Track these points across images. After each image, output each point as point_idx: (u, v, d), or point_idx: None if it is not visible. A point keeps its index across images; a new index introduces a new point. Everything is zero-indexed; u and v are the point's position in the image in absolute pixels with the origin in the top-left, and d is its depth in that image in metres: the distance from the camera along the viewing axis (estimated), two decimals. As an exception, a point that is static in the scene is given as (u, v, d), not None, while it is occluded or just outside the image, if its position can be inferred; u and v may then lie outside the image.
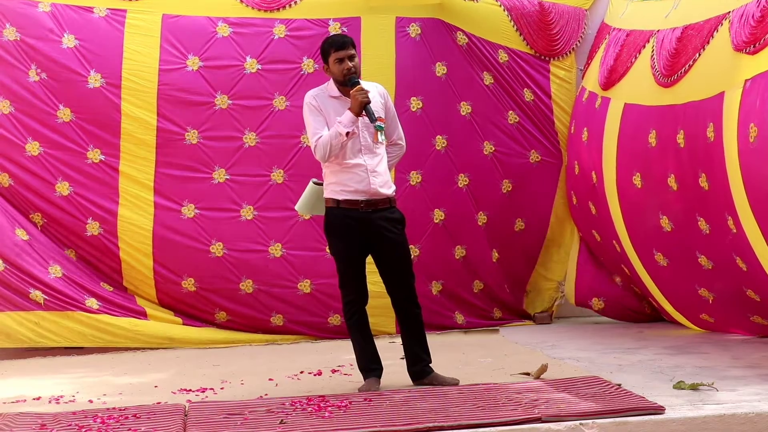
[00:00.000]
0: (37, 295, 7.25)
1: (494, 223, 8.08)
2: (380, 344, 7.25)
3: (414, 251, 7.41)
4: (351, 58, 5.38)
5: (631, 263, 7.50)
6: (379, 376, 5.51)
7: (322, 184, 5.56)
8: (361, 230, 5.41)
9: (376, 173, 5.41)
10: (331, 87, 5.48)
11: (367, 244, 5.45)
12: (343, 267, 5.49)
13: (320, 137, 5.35)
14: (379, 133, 5.40)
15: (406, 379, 5.60)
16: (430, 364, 5.54)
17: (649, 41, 7.16)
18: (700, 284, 6.84)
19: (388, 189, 5.47)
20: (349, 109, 5.32)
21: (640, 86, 7.13)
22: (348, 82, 5.37)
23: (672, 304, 7.42)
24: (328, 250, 7.57)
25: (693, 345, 6.66)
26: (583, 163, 7.84)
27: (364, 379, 5.50)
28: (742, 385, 5.11)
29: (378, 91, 5.53)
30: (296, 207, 5.86)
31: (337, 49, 5.38)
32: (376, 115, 5.37)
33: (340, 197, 5.41)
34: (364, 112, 5.31)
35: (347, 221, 5.41)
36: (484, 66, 8.10)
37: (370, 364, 5.52)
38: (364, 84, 5.40)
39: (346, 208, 5.41)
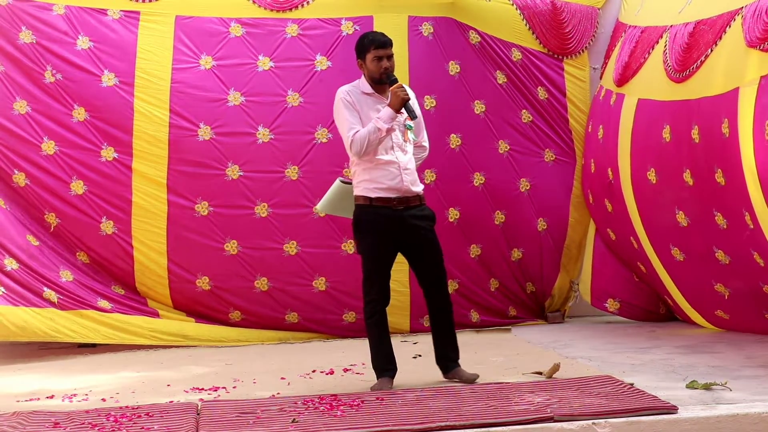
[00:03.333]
0: (50, 294, 7.28)
1: (513, 222, 8.06)
2: (392, 342, 7.28)
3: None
4: (389, 57, 5.44)
5: (649, 259, 7.48)
6: (393, 377, 5.51)
7: (350, 183, 5.55)
8: (393, 228, 5.42)
9: (408, 171, 5.45)
10: (363, 84, 5.52)
11: (398, 242, 5.47)
12: (371, 265, 5.48)
13: (357, 132, 5.36)
14: (409, 131, 5.46)
15: (418, 378, 5.61)
16: (457, 360, 5.59)
17: (662, 37, 7.14)
18: (717, 279, 6.82)
19: (418, 187, 5.51)
20: (389, 105, 5.36)
21: (653, 82, 7.12)
22: (387, 80, 5.43)
23: (687, 300, 7.41)
24: (344, 248, 7.62)
25: (706, 344, 6.64)
26: (600, 160, 7.83)
27: (377, 378, 5.51)
28: (756, 385, 5.09)
29: (410, 91, 5.55)
30: (317, 207, 5.85)
31: (377, 48, 5.44)
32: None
33: (372, 195, 5.41)
34: (403, 109, 5.35)
35: (380, 219, 5.41)
36: (497, 65, 8.09)
37: (384, 364, 5.53)
38: None
39: (379, 206, 5.41)
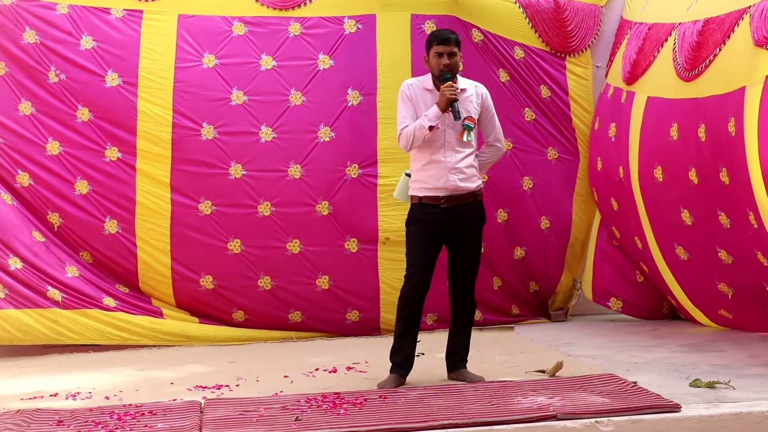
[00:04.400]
0: (54, 293, 7.29)
1: (516, 220, 8.06)
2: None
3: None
4: (450, 55, 5.45)
5: (653, 258, 7.48)
6: (404, 376, 5.52)
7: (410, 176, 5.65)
8: (439, 224, 5.47)
9: (456, 170, 5.46)
10: (426, 79, 5.56)
11: (443, 237, 5.51)
12: (411, 259, 5.54)
13: (406, 126, 5.45)
14: (465, 132, 5.44)
15: (422, 377, 5.61)
16: (465, 361, 5.62)
17: (671, 34, 7.13)
18: (720, 279, 6.82)
19: (472, 183, 5.52)
20: (436, 103, 5.39)
21: (662, 80, 7.11)
22: (441, 77, 5.44)
23: (691, 300, 7.40)
24: (348, 247, 7.62)
25: (709, 343, 6.64)
26: (609, 159, 7.81)
27: (390, 372, 5.51)
28: (759, 384, 5.09)
29: (476, 90, 5.57)
30: (394, 194, 5.92)
31: (439, 44, 5.45)
32: (468, 115, 5.44)
33: (421, 194, 5.50)
34: (449, 109, 5.37)
35: (426, 216, 5.47)
36: (500, 63, 8.09)
37: (400, 361, 5.53)
38: (462, 82, 5.50)
39: (427, 204, 5.48)
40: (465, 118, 5.44)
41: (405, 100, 5.52)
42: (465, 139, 5.45)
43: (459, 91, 5.42)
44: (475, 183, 5.54)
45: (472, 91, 5.54)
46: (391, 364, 5.55)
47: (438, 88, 5.47)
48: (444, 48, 5.45)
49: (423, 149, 5.47)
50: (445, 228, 5.48)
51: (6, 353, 7.25)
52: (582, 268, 8.30)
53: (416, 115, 5.47)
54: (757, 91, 5.84)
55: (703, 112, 6.49)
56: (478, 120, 5.57)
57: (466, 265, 5.58)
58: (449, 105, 5.37)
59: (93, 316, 7.33)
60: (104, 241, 7.55)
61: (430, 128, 5.37)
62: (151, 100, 7.58)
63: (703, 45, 6.61)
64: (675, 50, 6.97)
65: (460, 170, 5.47)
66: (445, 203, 5.46)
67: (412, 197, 5.57)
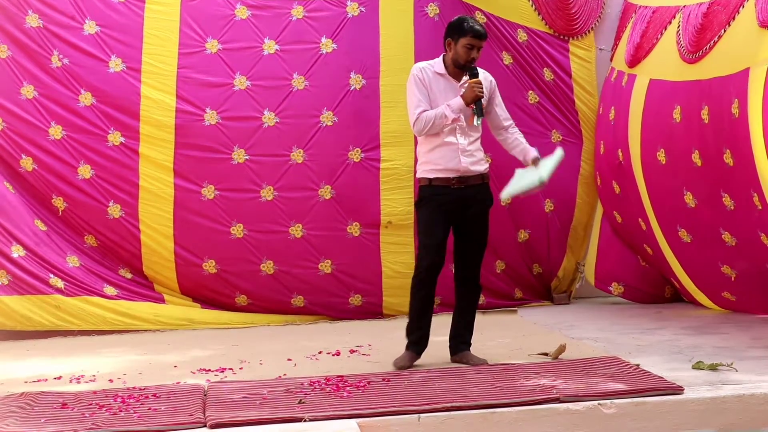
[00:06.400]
0: (56, 281, 7.31)
1: (520, 203, 8.04)
2: (399, 324, 7.30)
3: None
4: (479, 50, 5.51)
5: (656, 240, 7.47)
6: (419, 353, 5.58)
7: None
8: (449, 205, 5.52)
9: (467, 152, 5.54)
10: (438, 63, 5.60)
11: (452, 218, 5.55)
12: (423, 239, 5.59)
13: (423, 111, 5.49)
14: (476, 117, 5.50)
15: (425, 359, 5.62)
16: (468, 344, 5.66)
17: (675, 17, 7.11)
18: (723, 261, 6.82)
19: (480, 166, 5.59)
20: (462, 96, 5.46)
21: (665, 62, 7.09)
22: (469, 71, 5.49)
23: (694, 282, 7.40)
24: (350, 231, 7.62)
25: (712, 325, 6.64)
26: (609, 142, 7.81)
27: (405, 350, 5.59)
28: (762, 366, 5.10)
29: (485, 76, 5.61)
30: (505, 194, 5.70)
31: (474, 37, 5.48)
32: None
33: (431, 176, 5.55)
34: (474, 105, 5.45)
35: (436, 197, 5.52)
36: (503, 46, 8.07)
37: (416, 339, 5.61)
38: (479, 72, 5.54)
39: (438, 186, 5.53)
40: (483, 105, 5.52)
41: (418, 83, 5.54)
42: (475, 122, 5.52)
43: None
44: (483, 166, 5.62)
45: (481, 77, 5.58)
46: (406, 341, 5.61)
47: (452, 75, 5.54)
48: (477, 42, 5.49)
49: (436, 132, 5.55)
50: (456, 209, 5.53)
51: (10, 336, 7.28)
52: (585, 251, 8.30)
53: (429, 99, 5.51)
54: (761, 72, 5.82)
55: (706, 94, 6.48)
56: (486, 106, 5.62)
57: (473, 247, 5.61)
58: (475, 101, 5.45)
59: (95, 303, 7.36)
60: (108, 226, 7.56)
61: (453, 120, 5.46)
62: (155, 86, 7.57)
63: (707, 27, 6.58)
64: (679, 33, 6.95)
65: (470, 153, 5.54)
66: (456, 184, 5.51)
67: (422, 179, 5.60)
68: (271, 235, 7.65)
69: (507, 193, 5.60)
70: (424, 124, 5.47)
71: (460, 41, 5.49)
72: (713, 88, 6.40)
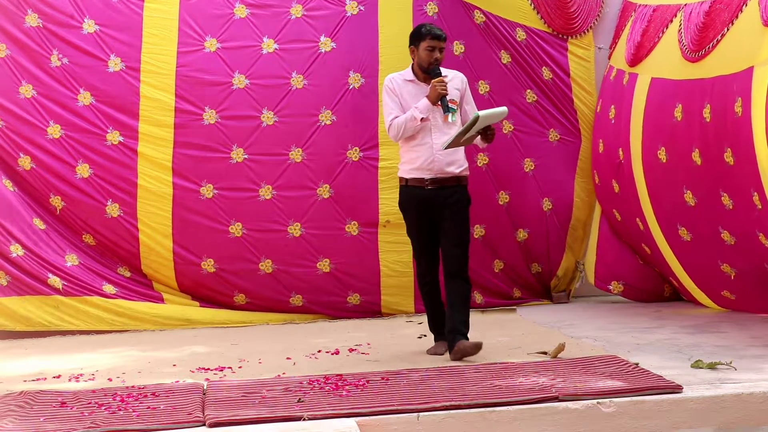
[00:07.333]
0: (55, 280, 7.31)
1: (518, 202, 8.05)
2: (397, 323, 7.31)
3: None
4: (441, 50, 5.76)
5: (654, 240, 7.47)
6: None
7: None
8: (425, 208, 5.73)
9: (443, 152, 5.68)
10: (407, 72, 5.85)
11: (432, 218, 5.74)
12: (414, 243, 5.93)
13: (395, 117, 5.74)
14: (450, 114, 5.66)
15: (424, 358, 5.62)
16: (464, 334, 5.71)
17: (676, 15, 7.10)
18: (723, 260, 6.81)
19: (457, 168, 5.74)
20: (427, 96, 5.66)
21: (667, 61, 7.08)
22: (431, 72, 5.69)
23: (694, 281, 7.40)
24: (348, 230, 7.63)
25: (711, 324, 6.64)
26: (609, 140, 7.80)
27: (435, 341, 5.89)
28: (761, 365, 5.10)
29: (457, 75, 5.85)
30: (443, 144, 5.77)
31: (433, 39, 5.76)
32: (449, 97, 5.68)
33: (408, 176, 5.79)
34: (439, 102, 5.63)
35: (413, 199, 5.76)
36: (502, 44, 8.06)
37: (439, 329, 5.83)
38: (446, 72, 5.76)
39: (413, 187, 5.75)
40: (449, 101, 5.68)
41: (390, 92, 5.80)
42: (450, 119, 5.67)
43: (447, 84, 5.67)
44: (459, 168, 5.76)
45: (452, 76, 5.80)
46: (433, 334, 5.91)
47: (420, 78, 5.79)
48: (437, 43, 5.75)
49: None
50: (430, 209, 5.71)
51: (9, 335, 7.28)
52: (584, 249, 8.30)
53: (401, 106, 5.74)
54: (765, 71, 5.81)
55: (708, 93, 6.47)
56: (459, 103, 5.80)
57: (452, 244, 5.70)
58: (440, 99, 5.62)
59: (93, 303, 7.37)
60: (106, 225, 7.56)
61: (422, 120, 5.65)
62: (154, 85, 7.57)
63: (710, 25, 6.58)
64: (680, 31, 6.94)
65: (447, 153, 5.69)
66: (429, 185, 5.71)
67: (400, 179, 5.86)
68: (269, 234, 7.65)
69: (445, 140, 5.69)
70: (397, 129, 5.71)
71: (421, 45, 5.76)
72: (716, 86, 6.39)
